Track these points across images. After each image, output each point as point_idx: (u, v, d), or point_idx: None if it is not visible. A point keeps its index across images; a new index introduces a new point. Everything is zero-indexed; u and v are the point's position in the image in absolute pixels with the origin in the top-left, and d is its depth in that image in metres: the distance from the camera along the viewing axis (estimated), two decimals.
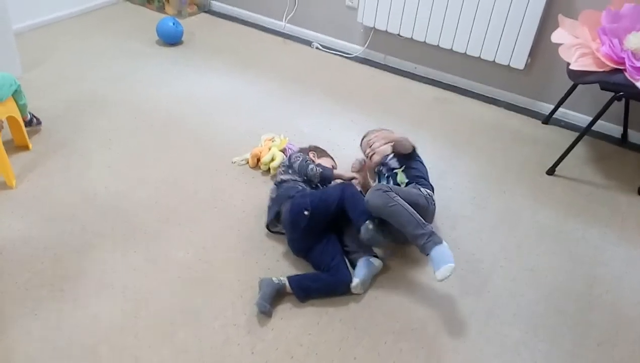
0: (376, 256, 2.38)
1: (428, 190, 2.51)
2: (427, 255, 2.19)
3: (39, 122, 3.05)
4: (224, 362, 1.98)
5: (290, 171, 2.61)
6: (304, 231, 2.34)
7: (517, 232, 2.69)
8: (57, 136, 3.06)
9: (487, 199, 2.88)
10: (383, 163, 2.76)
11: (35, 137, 3.03)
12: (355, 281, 2.26)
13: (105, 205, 2.61)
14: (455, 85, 3.94)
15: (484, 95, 3.85)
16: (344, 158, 2.97)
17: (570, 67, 2.89)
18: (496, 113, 3.67)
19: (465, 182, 2.99)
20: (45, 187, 2.69)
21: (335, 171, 2.66)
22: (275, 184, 2.59)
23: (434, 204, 2.49)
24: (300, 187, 2.50)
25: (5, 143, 2.68)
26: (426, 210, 2.43)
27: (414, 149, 2.69)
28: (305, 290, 2.24)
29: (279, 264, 2.39)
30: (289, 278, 2.24)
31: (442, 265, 2.14)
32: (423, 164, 2.71)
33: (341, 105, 3.60)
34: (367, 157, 2.89)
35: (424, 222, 2.23)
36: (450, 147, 3.26)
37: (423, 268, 2.43)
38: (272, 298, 2.17)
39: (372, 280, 2.34)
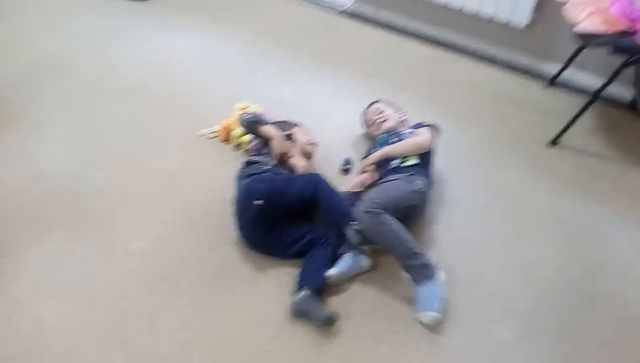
0: (365, 253, 2.13)
1: (424, 180, 2.26)
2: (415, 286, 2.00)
3: None
4: None
5: (262, 150, 2.34)
6: (254, 222, 2.09)
7: (512, 215, 2.43)
8: (12, 106, 2.77)
9: (479, 176, 2.62)
10: (395, 132, 2.50)
11: None
12: (332, 271, 2.03)
13: (57, 188, 2.36)
14: (450, 43, 3.61)
15: (480, 54, 3.52)
16: (328, 131, 2.71)
17: (577, 27, 2.56)
18: (493, 74, 3.35)
19: (456, 155, 2.72)
20: None
21: (267, 127, 2.38)
22: (243, 163, 2.32)
23: (426, 197, 2.26)
24: (265, 168, 2.22)
25: None
26: (420, 207, 2.22)
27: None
28: (322, 278, 2.01)
29: (249, 257, 2.15)
30: (304, 281, 1.99)
31: (425, 311, 1.94)
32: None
33: (326, 68, 3.28)
34: (373, 124, 2.63)
35: (415, 251, 2.01)
36: (440, 114, 2.96)
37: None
38: (321, 304, 1.94)
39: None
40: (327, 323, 1.90)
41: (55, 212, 2.25)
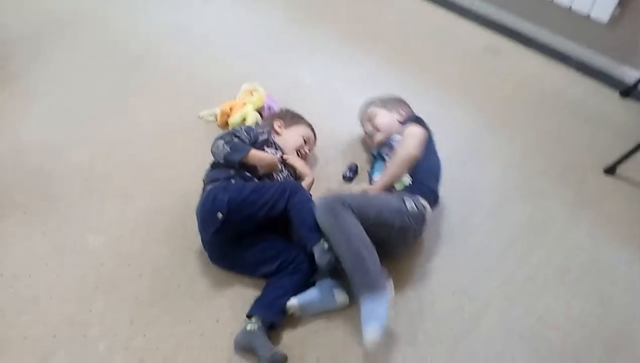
0: (342, 288, 1.81)
1: (420, 202, 1.88)
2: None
3: None
4: None
5: None
6: (217, 236, 1.80)
7: (536, 258, 2.01)
8: (8, 67, 2.64)
9: (509, 204, 2.19)
10: (388, 142, 2.14)
11: None
12: (293, 302, 1.74)
13: (31, 165, 2.20)
14: (516, 29, 3.07)
15: (550, 48, 2.97)
16: (342, 125, 2.36)
17: None
18: (561, 74, 2.81)
19: (488, 174, 2.29)
20: None
21: (253, 153, 1.94)
22: (210, 165, 2.01)
23: (423, 221, 1.87)
24: (232, 172, 1.91)
25: None
26: (404, 231, 1.83)
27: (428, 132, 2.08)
28: (279, 312, 1.74)
29: (210, 271, 1.90)
30: (256, 311, 1.73)
31: (366, 325, 1.59)
32: (437, 155, 2.09)
33: (358, 50, 2.89)
34: (367, 134, 2.27)
35: (363, 256, 1.66)
36: (483, 120, 2.52)
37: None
38: (269, 341, 1.66)
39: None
40: None
41: (21, 192, 2.10)
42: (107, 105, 2.48)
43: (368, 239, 1.70)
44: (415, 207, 1.84)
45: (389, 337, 1.74)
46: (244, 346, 1.67)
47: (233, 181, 1.87)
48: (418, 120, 2.11)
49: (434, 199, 1.96)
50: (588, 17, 2.72)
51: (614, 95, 2.70)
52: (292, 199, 1.79)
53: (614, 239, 2.07)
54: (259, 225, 1.85)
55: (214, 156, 1.96)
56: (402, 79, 2.70)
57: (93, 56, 2.74)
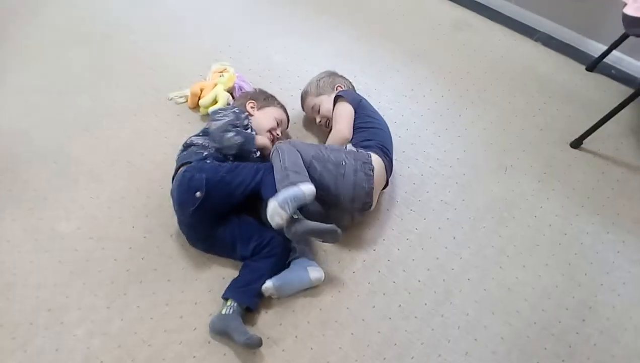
0: (316, 265, 1.85)
1: (360, 150, 1.92)
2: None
3: None
4: None
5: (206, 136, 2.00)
6: (194, 216, 1.81)
7: (506, 230, 2.07)
8: None
9: (480, 178, 2.23)
10: None
11: None
12: (269, 284, 1.76)
13: None
14: (485, 3, 3.08)
15: (519, 22, 2.98)
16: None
17: (626, 10, 2.06)
18: (529, 49, 2.84)
19: (458, 149, 2.32)
20: None
21: (260, 139, 2.00)
22: (182, 146, 1.99)
23: (366, 168, 1.86)
24: (205, 153, 1.90)
25: None
26: (335, 173, 1.83)
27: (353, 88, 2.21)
28: (254, 296, 1.76)
29: (187, 253, 1.91)
30: (231, 294, 1.75)
31: (270, 205, 1.71)
32: (374, 116, 2.12)
33: (331, 25, 2.87)
34: (321, 124, 2.26)
35: (288, 173, 1.76)
36: (454, 96, 2.54)
37: (363, 283, 1.89)
38: (243, 325, 1.68)
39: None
40: (248, 347, 1.65)
41: None
42: (76, 86, 2.42)
43: (301, 165, 1.80)
44: (354, 148, 1.91)
45: (366, 310, 1.78)
46: (219, 330, 1.69)
47: (208, 161, 1.86)
48: (343, 94, 2.13)
49: (384, 154, 1.97)
50: None
51: (581, 69, 2.74)
52: (265, 178, 1.80)
53: (582, 212, 2.13)
54: (235, 206, 1.86)
55: (223, 147, 1.91)
56: (373, 55, 2.69)
57: (60, 35, 2.66)
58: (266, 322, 1.76)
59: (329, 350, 1.72)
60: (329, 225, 1.74)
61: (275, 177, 1.78)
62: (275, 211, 1.68)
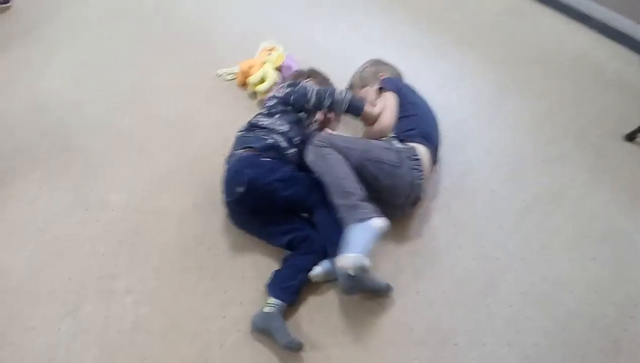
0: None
1: (406, 143, 1.89)
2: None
3: (4, 1, 2.58)
4: (124, 353, 1.63)
5: (276, 113, 1.95)
6: (233, 204, 1.82)
7: (552, 222, 2.03)
8: (25, 20, 2.61)
9: (527, 168, 2.19)
10: None
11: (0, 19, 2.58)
12: (317, 270, 1.76)
13: (51, 119, 2.20)
14: None
15: (573, 9, 2.90)
16: None
17: None
18: (583, 37, 2.76)
19: (505, 138, 2.28)
20: None
21: (369, 106, 2.00)
22: (247, 123, 1.96)
23: (414, 157, 1.84)
24: (270, 141, 1.86)
25: None
26: (397, 168, 1.81)
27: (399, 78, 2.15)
28: (293, 293, 1.75)
29: (232, 232, 1.92)
30: (274, 292, 1.72)
31: (345, 251, 1.62)
32: (420, 104, 2.09)
33: (378, 8, 2.83)
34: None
35: (351, 190, 1.70)
36: (504, 83, 2.49)
37: (407, 269, 1.88)
38: (286, 326, 1.66)
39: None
40: (288, 350, 1.64)
41: (43, 148, 2.11)
42: (125, 60, 2.45)
43: (352, 175, 1.74)
44: (402, 146, 1.86)
45: (408, 297, 1.78)
46: (262, 328, 1.68)
47: (267, 158, 1.81)
48: (384, 84, 2.10)
49: (428, 142, 1.94)
50: None
51: (636, 59, 2.66)
52: (318, 212, 1.80)
53: (632, 207, 2.08)
54: (273, 209, 1.84)
55: (335, 103, 1.94)
56: (419, 39, 2.66)
57: (109, 10, 2.70)
58: (307, 298, 1.78)
59: (372, 332, 1.72)
60: (382, 285, 1.74)
61: (332, 195, 1.73)
62: (358, 263, 1.60)
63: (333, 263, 1.71)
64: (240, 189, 1.74)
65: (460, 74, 2.49)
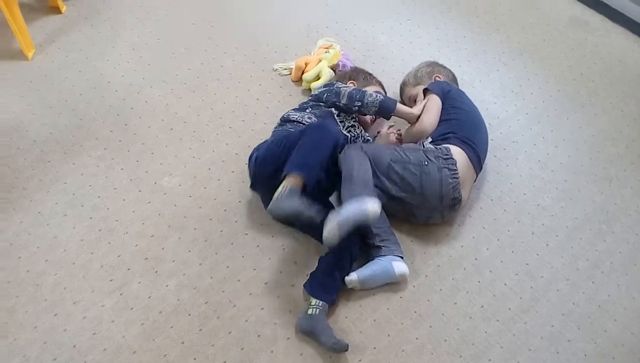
0: (402, 261, 1.80)
1: (440, 144, 1.87)
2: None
3: None
4: (163, 334, 1.69)
5: (308, 107, 2.02)
6: (256, 190, 1.92)
7: (604, 244, 1.98)
8: (95, 1, 2.69)
9: (582, 186, 2.14)
10: None
11: None
12: (353, 276, 1.76)
13: (112, 99, 2.28)
14: (608, 2, 2.90)
15: None
16: None
17: None
18: None
19: (562, 154, 2.23)
20: (60, 63, 2.40)
21: (401, 106, 2.01)
22: (280, 119, 2.03)
23: (447, 158, 1.82)
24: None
25: (38, 1, 2.44)
26: (428, 168, 1.80)
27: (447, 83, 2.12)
28: (333, 292, 1.75)
29: (278, 225, 1.95)
30: (315, 293, 1.72)
31: (330, 222, 1.64)
32: (466, 108, 2.04)
33: (440, 11, 2.80)
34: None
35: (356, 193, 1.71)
36: (564, 96, 2.43)
37: (447, 278, 1.88)
38: (330, 327, 1.66)
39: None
40: (334, 352, 1.65)
41: (103, 126, 2.19)
42: (186, 47, 2.51)
43: (368, 173, 1.78)
44: (432, 146, 1.86)
45: (447, 305, 1.77)
46: (306, 331, 1.68)
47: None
48: (431, 86, 2.08)
49: (467, 146, 1.90)
50: None
51: None
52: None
53: None
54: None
55: (365, 106, 1.97)
56: (481, 46, 2.62)
57: None
58: (346, 300, 1.79)
59: (406, 338, 1.72)
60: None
61: (342, 184, 1.77)
62: (333, 232, 1.63)
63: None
64: (250, 171, 1.85)
65: (519, 85, 2.45)
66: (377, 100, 1.95)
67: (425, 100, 2.06)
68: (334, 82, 2.11)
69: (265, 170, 1.79)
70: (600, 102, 2.42)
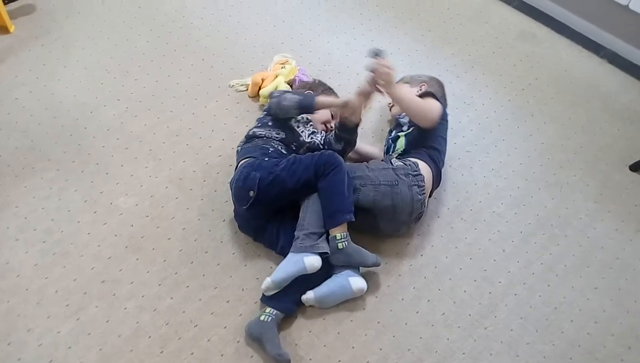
0: (359, 276, 1.81)
1: (408, 160, 1.90)
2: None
3: None
4: (123, 359, 1.65)
5: (268, 122, 2.03)
6: (249, 211, 1.82)
7: (557, 248, 2.04)
8: (45, 19, 2.64)
9: (533, 193, 2.20)
10: (397, 118, 2.20)
11: (23, 18, 2.63)
12: (309, 295, 1.76)
13: (65, 119, 2.24)
14: (553, 16, 3.02)
15: (586, 37, 2.92)
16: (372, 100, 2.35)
17: None
18: (594, 66, 2.78)
19: (513, 162, 2.30)
20: (10, 84, 2.34)
21: (321, 98, 2.00)
22: (245, 137, 2.02)
23: (416, 179, 1.84)
24: (271, 150, 1.91)
25: None
26: (391, 193, 1.81)
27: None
28: (287, 302, 1.76)
29: (238, 239, 1.94)
30: (270, 302, 1.74)
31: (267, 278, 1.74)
32: (444, 138, 2.07)
33: (394, 24, 2.86)
34: (388, 105, 2.32)
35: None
36: (514, 106, 2.51)
37: (408, 287, 1.90)
38: (278, 337, 1.68)
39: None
40: (276, 362, 1.65)
41: (55, 147, 2.14)
42: (140, 65, 2.48)
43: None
44: (401, 163, 1.87)
45: (410, 314, 1.79)
46: (254, 336, 1.68)
47: (267, 159, 1.86)
48: (441, 100, 2.08)
49: (433, 164, 1.94)
50: (627, 7, 2.67)
51: None
52: (322, 180, 1.77)
53: (636, 237, 2.09)
54: (294, 198, 1.85)
55: (282, 109, 1.97)
56: (433, 59, 2.68)
57: (126, 15, 2.73)
58: (309, 314, 1.79)
59: (370, 350, 1.73)
60: (371, 258, 1.78)
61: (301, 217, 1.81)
62: (268, 285, 1.71)
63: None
64: (252, 193, 1.76)
65: (471, 96, 2.51)
66: (293, 102, 1.96)
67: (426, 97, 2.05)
68: (277, 92, 2.08)
69: (270, 192, 1.77)
70: (549, 111, 2.51)
